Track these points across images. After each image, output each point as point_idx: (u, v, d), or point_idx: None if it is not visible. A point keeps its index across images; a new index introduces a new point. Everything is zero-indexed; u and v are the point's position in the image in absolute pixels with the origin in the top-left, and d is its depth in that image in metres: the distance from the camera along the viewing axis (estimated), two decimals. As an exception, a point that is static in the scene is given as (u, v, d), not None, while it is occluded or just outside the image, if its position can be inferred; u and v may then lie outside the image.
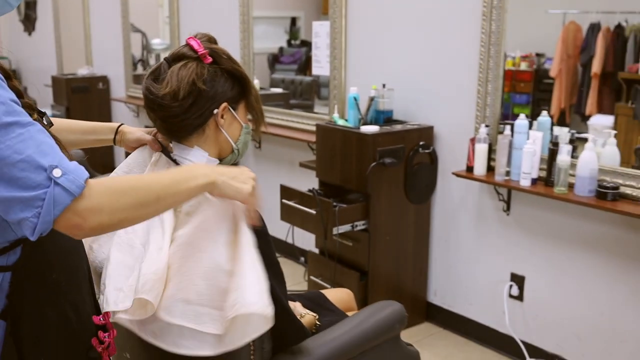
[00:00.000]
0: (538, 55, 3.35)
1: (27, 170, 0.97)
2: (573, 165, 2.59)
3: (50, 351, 1.20)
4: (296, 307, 1.84)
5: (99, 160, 5.63)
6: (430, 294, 3.42)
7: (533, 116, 3.26)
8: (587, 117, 3.07)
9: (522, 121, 2.77)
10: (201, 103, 1.45)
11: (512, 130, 2.80)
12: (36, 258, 1.17)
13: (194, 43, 1.46)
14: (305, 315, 1.79)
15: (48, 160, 0.99)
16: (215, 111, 1.48)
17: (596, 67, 3.01)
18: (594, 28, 3.10)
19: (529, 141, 2.71)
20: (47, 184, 0.98)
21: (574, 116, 3.18)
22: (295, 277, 3.95)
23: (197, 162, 1.51)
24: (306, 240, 3.88)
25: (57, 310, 1.20)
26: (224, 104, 1.49)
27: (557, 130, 2.83)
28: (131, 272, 1.35)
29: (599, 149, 2.73)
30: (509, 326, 3.02)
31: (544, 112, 2.82)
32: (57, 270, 1.20)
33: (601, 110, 3.07)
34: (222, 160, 1.58)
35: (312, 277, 3.38)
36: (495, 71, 2.91)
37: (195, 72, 1.44)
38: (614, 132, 2.72)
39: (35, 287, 1.17)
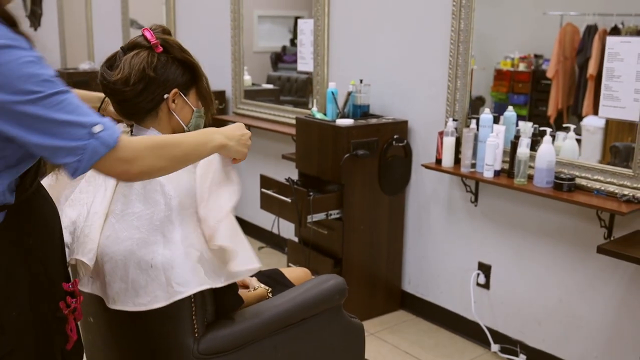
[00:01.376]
0: (536, 56, 3.43)
1: (72, 126, 1.21)
2: (534, 158, 2.71)
3: (21, 307, 1.33)
4: (252, 281, 1.98)
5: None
6: (405, 283, 3.55)
7: (531, 117, 3.36)
8: (584, 119, 3.14)
9: (486, 115, 2.89)
10: (152, 88, 1.60)
11: (477, 124, 2.93)
12: (17, 223, 1.31)
13: (147, 34, 1.62)
14: (258, 287, 1.94)
15: (88, 119, 1.23)
16: (165, 96, 1.63)
17: (592, 68, 3.07)
18: (591, 30, 3.17)
19: (492, 134, 2.83)
20: (88, 137, 1.22)
21: (571, 117, 3.27)
22: (278, 266, 4.06)
23: None
24: (290, 230, 4.02)
25: (30, 272, 1.34)
26: (175, 90, 1.64)
27: (522, 124, 2.95)
28: (73, 227, 1.53)
29: (560, 142, 2.85)
30: (475, 313, 3.14)
31: (510, 108, 2.93)
32: (34, 236, 1.35)
33: (597, 111, 3.15)
34: None
35: (290, 264, 3.52)
36: (464, 68, 3.03)
37: (146, 61, 1.59)
38: (573, 126, 2.84)
39: (12, 249, 1.31)
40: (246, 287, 1.95)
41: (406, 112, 3.36)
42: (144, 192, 1.58)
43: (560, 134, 2.88)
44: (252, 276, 2.00)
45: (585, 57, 3.16)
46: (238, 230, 1.57)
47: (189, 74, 1.67)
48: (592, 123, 2.94)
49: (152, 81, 1.59)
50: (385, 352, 3.12)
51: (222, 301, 1.62)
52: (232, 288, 1.63)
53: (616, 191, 2.52)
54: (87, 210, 1.63)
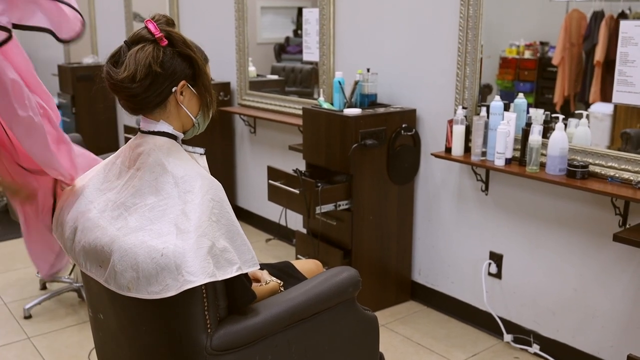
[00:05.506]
0: (542, 43, 3.39)
1: None
2: (546, 146, 2.67)
3: None
4: (263, 274, 1.95)
5: (104, 145, 5.75)
6: (415, 273, 3.51)
7: (537, 104, 3.31)
8: (591, 105, 3.10)
9: (497, 103, 2.85)
10: (159, 82, 1.57)
11: (487, 112, 2.88)
12: None
13: (151, 26, 1.58)
14: (270, 281, 1.90)
15: None
16: (173, 89, 1.59)
17: (599, 55, 3.02)
18: (597, 16, 3.13)
19: (503, 122, 2.79)
20: None
21: (578, 104, 3.23)
22: (287, 258, 4.04)
23: (164, 131, 1.65)
24: (298, 222, 3.99)
25: None
26: (182, 82, 1.61)
27: (533, 111, 2.90)
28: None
29: (572, 129, 2.80)
30: (487, 303, 3.11)
31: (520, 94, 2.89)
32: None
33: (604, 98, 3.10)
34: (185, 133, 1.71)
35: (299, 256, 3.49)
36: (473, 55, 2.99)
37: (152, 55, 1.55)
38: (586, 113, 2.79)
39: None
40: (258, 281, 1.91)
41: (414, 101, 3.32)
42: (155, 184, 1.56)
43: (572, 121, 2.83)
44: (262, 269, 1.98)
45: (592, 44, 3.11)
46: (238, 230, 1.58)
47: (194, 67, 1.63)
48: (600, 110, 2.90)
49: (158, 76, 1.56)
50: (397, 343, 3.09)
51: (234, 295, 1.59)
52: (245, 282, 1.60)
53: (631, 178, 2.47)
54: (95, 204, 1.63)
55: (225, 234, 1.54)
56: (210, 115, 1.75)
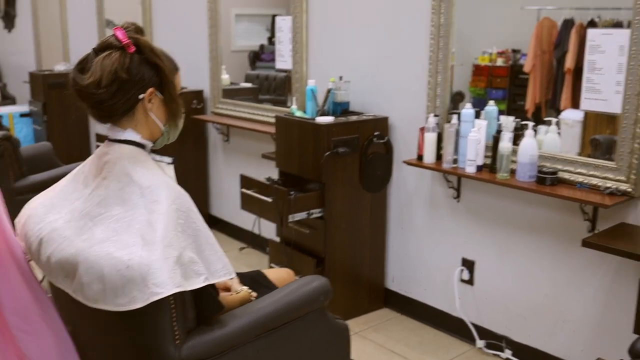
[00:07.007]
0: (514, 51, 3.42)
1: None
2: (516, 153, 2.69)
3: None
4: (233, 283, 1.94)
5: (76, 153, 5.69)
6: (388, 281, 3.52)
7: (509, 111, 3.34)
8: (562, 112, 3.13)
9: (468, 110, 2.87)
10: (126, 89, 1.56)
11: (459, 119, 2.90)
12: None
13: (119, 33, 1.56)
14: (240, 291, 1.89)
15: None
16: (141, 96, 1.58)
17: (569, 62, 3.06)
18: (568, 24, 3.17)
19: (474, 129, 2.81)
20: None
21: (549, 111, 3.26)
22: (260, 267, 3.98)
23: (131, 140, 1.63)
24: (272, 230, 3.98)
25: None
26: (151, 89, 1.59)
27: (503, 118, 2.92)
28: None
29: (542, 136, 2.83)
30: (460, 310, 3.12)
31: (491, 102, 2.92)
32: None
33: (575, 104, 3.14)
34: (155, 142, 1.69)
35: (272, 265, 3.48)
36: (444, 63, 3.01)
37: (119, 62, 1.54)
38: (555, 119, 2.83)
39: None
40: (228, 290, 1.90)
41: (387, 109, 3.33)
42: (121, 194, 1.54)
43: (541, 128, 2.86)
44: (233, 278, 1.96)
45: (563, 51, 3.15)
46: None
47: (161, 75, 1.62)
48: (571, 116, 2.94)
49: (125, 82, 1.54)
50: (370, 350, 3.09)
51: (202, 306, 1.57)
52: (212, 293, 1.58)
53: (599, 184, 2.50)
54: (62, 214, 1.61)
55: (192, 244, 1.53)
56: (180, 125, 1.74)
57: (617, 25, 2.69)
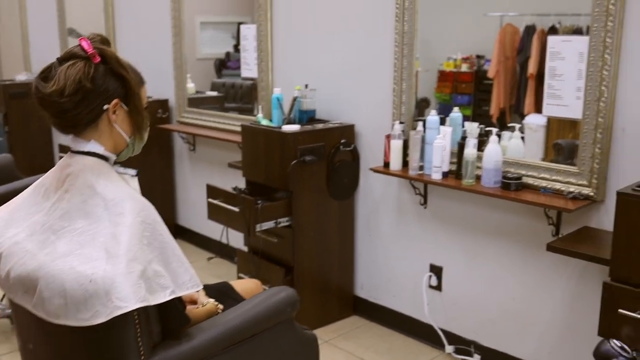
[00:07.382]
0: (478, 57, 3.45)
1: None
2: (481, 159, 2.72)
3: None
4: (200, 296, 1.91)
5: (38, 165, 5.59)
6: (357, 288, 3.52)
7: (474, 116, 3.37)
8: (526, 117, 3.17)
9: (433, 117, 2.89)
10: (91, 99, 1.53)
11: (424, 126, 2.92)
12: None
13: (84, 43, 1.54)
14: (206, 303, 1.87)
15: None
16: (105, 107, 1.55)
17: (532, 68, 3.10)
18: (530, 30, 3.21)
19: (439, 136, 2.82)
20: None
21: (513, 116, 3.29)
22: (228, 277, 3.98)
23: (95, 152, 1.59)
24: (239, 240, 3.96)
25: None
26: (115, 100, 1.57)
27: (468, 125, 2.95)
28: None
29: (506, 142, 2.86)
30: (429, 315, 3.14)
31: (456, 108, 2.94)
32: None
33: (538, 109, 3.17)
34: (120, 154, 1.66)
35: (240, 275, 3.45)
36: (409, 70, 3.03)
37: (83, 71, 1.51)
38: (519, 125, 2.86)
39: None
40: (194, 303, 1.88)
41: (353, 116, 3.34)
42: (85, 207, 1.51)
43: (505, 134, 2.89)
44: (199, 291, 1.94)
45: (526, 57, 3.19)
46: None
47: (127, 87, 1.60)
48: (535, 121, 2.97)
49: (89, 92, 1.52)
50: (340, 359, 3.08)
51: (168, 320, 1.55)
52: (178, 307, 1.56)
53: (562, 188, 2.54)
54: (22, 228, 1.57)
55: (158, 256, 1.51)
56: (145, 137, 1.71)
57: (577, 31, 2.73)
